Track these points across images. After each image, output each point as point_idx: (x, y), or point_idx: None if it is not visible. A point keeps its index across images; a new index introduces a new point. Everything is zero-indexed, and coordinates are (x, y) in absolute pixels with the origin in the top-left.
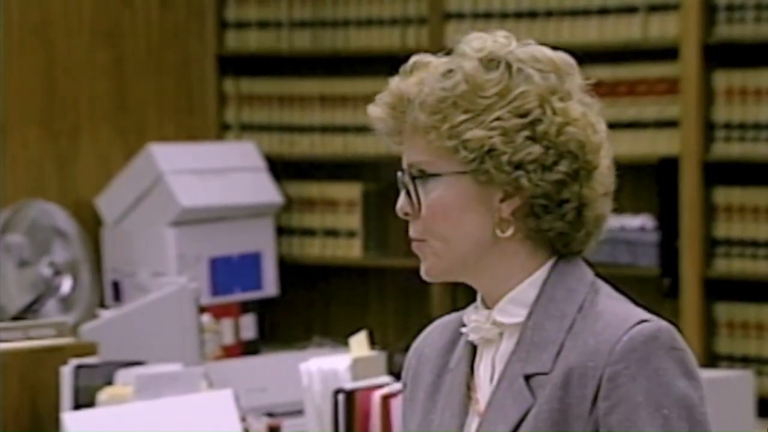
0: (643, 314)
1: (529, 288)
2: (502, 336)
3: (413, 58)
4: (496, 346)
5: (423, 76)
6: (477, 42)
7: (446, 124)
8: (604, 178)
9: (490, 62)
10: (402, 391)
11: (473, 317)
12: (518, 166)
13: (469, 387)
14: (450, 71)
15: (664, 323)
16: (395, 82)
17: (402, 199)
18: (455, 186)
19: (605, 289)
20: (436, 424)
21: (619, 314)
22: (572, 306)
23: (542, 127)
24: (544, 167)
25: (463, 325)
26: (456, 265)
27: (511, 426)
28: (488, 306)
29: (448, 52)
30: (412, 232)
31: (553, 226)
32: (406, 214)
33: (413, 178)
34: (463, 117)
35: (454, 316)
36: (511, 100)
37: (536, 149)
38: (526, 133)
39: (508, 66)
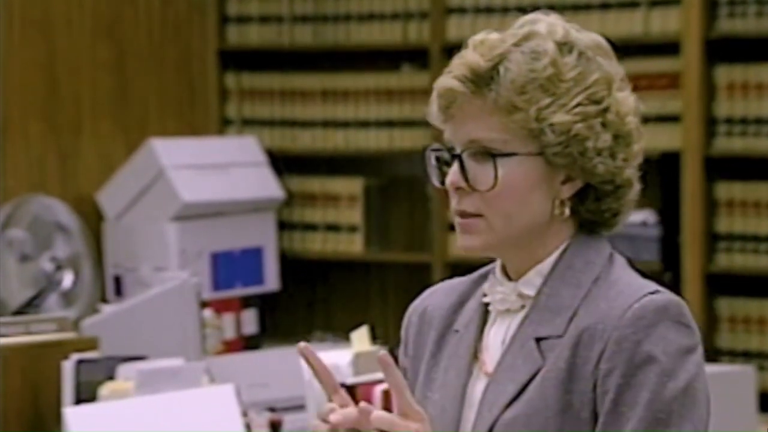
0: (655, 286)
1: (552, 259)
2: (523, 307)
3: (479, 35)
4: (515, 314)
5: (497, 51)
6: (544, 24)
7: (534, 107)
8: (638, 164)
9: (563, 46)
10: (402, 348)
11: (499, 288)
12: (599, 153)
13: (476, 350)
14: (536, 53)
15: (675, 297)
16: (469, 56)
17: (456, 174)
18: (526, 165)
19: (621, 261)
20: (438, 383)
21: (633, 284)
22: (589, 276)
23: (610, 116)
24: (613, 155)
25: (484, 294)
26: (508, 241)
27: (520, 386)
28: (510, 277)
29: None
30: (466, 206)
31: (611, 207)
32: (458, 188)
33: (487, 155)
34: (548, 100)
35: (460, 280)
36: (588, 87)
37: (608, 137)
38: (600, 120)
39: (581, 52)
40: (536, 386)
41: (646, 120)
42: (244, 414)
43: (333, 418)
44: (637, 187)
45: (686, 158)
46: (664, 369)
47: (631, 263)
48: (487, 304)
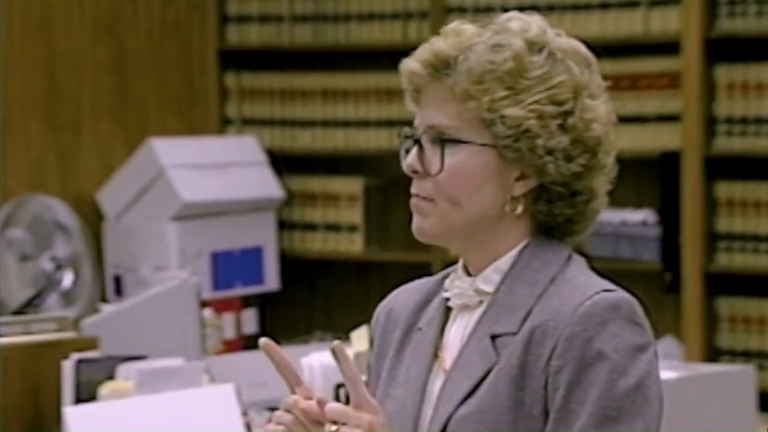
0: (609, 285)
1: (511, 258)
2: (482, 303)
3: (454, 24)
4: (474, 311)
5: (466, 42)
6: (520, 22)
7: (487, 97)
8: (609, 176)
9: (533, 45)
10: (370, 348)
11: (456, 283)
12: (550, 152)
13: (437, 347)
14: (500, 46)
15: (627, 295)
16: (437, 42)
17: (413, 157)
18: (479, 156)
19: (579, 261)
20: (400, 380)
21: (588, 282)
22: (546, 276)
23: (572, 120)
24: (568, 157)
25: (445, 290)
26: (456, 230)
27: (474, 382)
28: (470, 273)
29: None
30: (420, 190)
31: (564, 212)
32: (415, 171)
33: (439, 140)
34: (504, 93)
35: (424, 280)
36: (550, 87)
37: (565, 139)
38: (559, 121)
39: (551, 53)
40: (489, 383)
41: (646, 120)
42: (244, 413)
43: (301, 405)
44: (602, 199)
45: (686, 158)
46: (614, 366)
47: (591, 264)
48: (448, 302)
